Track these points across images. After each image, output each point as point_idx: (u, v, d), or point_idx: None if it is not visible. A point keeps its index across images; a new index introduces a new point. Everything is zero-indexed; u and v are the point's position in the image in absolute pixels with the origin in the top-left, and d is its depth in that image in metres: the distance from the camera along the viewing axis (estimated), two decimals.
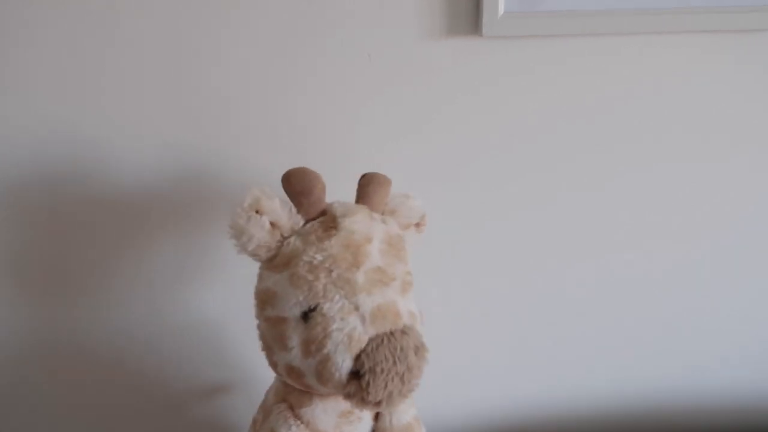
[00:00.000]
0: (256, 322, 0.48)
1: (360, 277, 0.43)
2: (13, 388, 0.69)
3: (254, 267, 0.48)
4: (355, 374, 0.42)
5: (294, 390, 0.48)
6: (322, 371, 0.43)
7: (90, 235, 0.62)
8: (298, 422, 0.48)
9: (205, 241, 0.63)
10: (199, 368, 0.70)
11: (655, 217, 0.66)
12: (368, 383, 0.41)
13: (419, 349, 0.43)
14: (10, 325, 0.66)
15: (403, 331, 0.43)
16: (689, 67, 0.61)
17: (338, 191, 0.49)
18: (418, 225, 0.53)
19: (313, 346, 0.43)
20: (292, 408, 0.49)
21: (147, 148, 0.59)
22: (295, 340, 0.44)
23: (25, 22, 0.55)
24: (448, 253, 0.65)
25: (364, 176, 0.50)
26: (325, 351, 0.42)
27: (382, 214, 0.50)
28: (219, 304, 0.65)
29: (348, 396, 0.42)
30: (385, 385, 0.41)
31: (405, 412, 0.52)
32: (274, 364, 0.47)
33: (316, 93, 0.58)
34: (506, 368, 0.72)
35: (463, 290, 0.67)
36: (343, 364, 0.42)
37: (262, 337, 0.47)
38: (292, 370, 0.45)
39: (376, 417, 0.52)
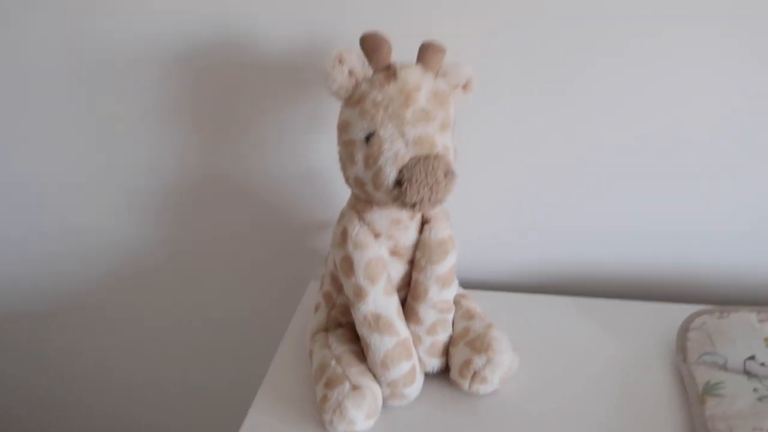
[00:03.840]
0: (337, 149, 0.66)
1: (408, 114, 0.59)
2: (177, 205, 0.95)
3: None
4: (398, 182, 0.58)
5: (360, 200, 0.66)
6: (376, 179, 0.59)
7: (240, 93, 0.83)
8: (362, 222, 0.66)
9: (322, 101, 0.81)
10: (313, 207, 0.90)
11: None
12: (406, 188, 0.57)
13: (448, 172, 0.58)
14: (184, 157, 0.90)
15: (436, 156, 0.57)
16: None
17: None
18: (464, 87, 0.66)
19: (371, 160, 0.59)
20: (358, 213, 0.67)
21: (281, 26, 0.77)
22: (359, 156, 0.61)
23: None
24: (501, 112, 0.79)
25: (423, 43, 0.64)
26: (379, 164, 0.58)
27: (436, 75, 0.64)
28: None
29: (393, 199, 0.59)
30: (418, 191, 0.57)
31: (442, 230, 0.67)
32: (347, 178, 0.65)
33: None
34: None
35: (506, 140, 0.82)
36: (390, 174, 0.58)
37: (340, 159, 0.65)
38: (357, 180, 0.63)
39: (421, 231, 0.69)
